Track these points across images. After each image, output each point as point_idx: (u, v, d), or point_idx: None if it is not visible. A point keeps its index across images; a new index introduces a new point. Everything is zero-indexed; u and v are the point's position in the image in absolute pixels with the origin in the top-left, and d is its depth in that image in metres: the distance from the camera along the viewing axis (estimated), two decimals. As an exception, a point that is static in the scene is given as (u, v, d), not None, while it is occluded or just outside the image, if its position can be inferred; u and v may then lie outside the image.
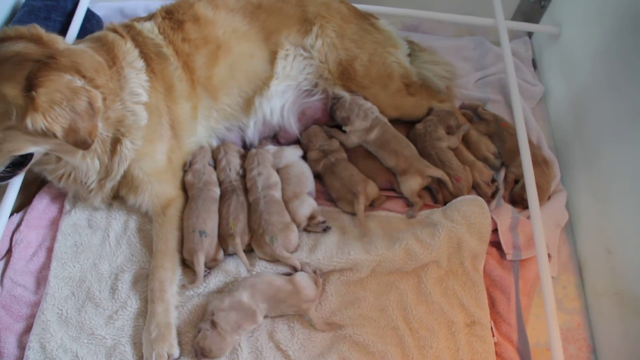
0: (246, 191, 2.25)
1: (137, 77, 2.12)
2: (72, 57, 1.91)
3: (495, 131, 2.54)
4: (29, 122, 1.79)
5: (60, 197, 2.31)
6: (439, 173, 2.29)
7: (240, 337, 1.94)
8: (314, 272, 2.07)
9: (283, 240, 2.08)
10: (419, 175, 2.28)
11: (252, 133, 2.46)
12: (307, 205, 2.20)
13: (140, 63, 2.16)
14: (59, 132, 1.83)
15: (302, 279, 2.01)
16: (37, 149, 1.94)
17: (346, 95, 2.46)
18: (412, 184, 2.28)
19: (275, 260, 2.10)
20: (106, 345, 1.97)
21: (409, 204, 2.32)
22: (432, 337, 1.99)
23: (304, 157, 2.44)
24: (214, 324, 1.90)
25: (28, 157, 1.99)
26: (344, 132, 2.45)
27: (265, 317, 2.01)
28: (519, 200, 2.34)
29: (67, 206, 2.28)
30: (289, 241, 2.10)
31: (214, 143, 2.42)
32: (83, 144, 1.90)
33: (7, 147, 1.89)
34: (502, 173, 2.45)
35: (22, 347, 1.99)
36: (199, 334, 1.91)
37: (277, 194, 2.22)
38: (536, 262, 2.15)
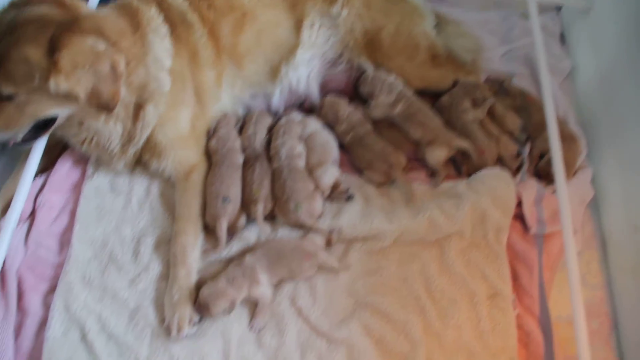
0: (269, 159, 2.24)
1: (161, 43, 2.11)
2: (95, 21, 1.91)
3: (521, 105, 2.50)
4: (52, 85, 1.80)
5: (82, 161, 2.32)
6: (464, 144, 2.28)
7: (235, 295, 1.92)
8: (330, 232, 2.08)
9: (307, 207, 2.08)
10: (446, 146, 2.27)
11: (277, 101, 2.45)
12: (330, 174, 2.19)
13: (164, 29, 2.14)
14: (81, 94, 1.85)
15: (312, 234, 2.05)
16: (60, 112, 1.95)
17: (370, 68, 2.44)
18: (438, 154, 2.27)
19: (298, 227, 2.10)
20: (129, 307, 1.99)
21: (432, 174, 2.31)
22: (453, 307, 1.98)
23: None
24: (214, 276, 1.95)
25: (51, 120, 2.00)
26: (368, 106, 2.44)
27: (279, 282, 2.01)
28: (544, 175, 2.31)
29: (89, 170, 2.28)
30: (313, 208, 2.09)
31: (240, 111, 2.42)
32: (106, 108, 1.91)
33: (31, 109, 1.90)
34: (527, 147, 2.42)
35: (46, 306, 2.01)
36: None
37: (301, 163, 2.22)
38: (560, 236, 2.13)
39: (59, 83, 1.80)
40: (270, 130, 2.35)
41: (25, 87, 1.84)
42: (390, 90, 2.39)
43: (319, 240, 2.05)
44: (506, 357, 1.92)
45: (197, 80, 2.21)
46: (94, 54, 1.84)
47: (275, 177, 2.18)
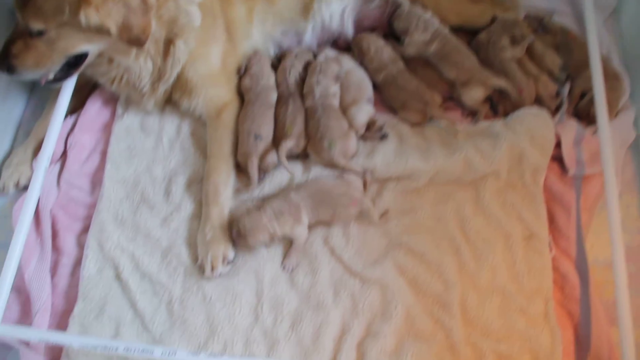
0: (302, 96, 2.20)
1: None
2: None
3: (561, 43, 2.41)
4: (82, 18, 1.79)
5: (112, 101, 2.30)
6: (502, 83, 2.20)
7: (277, 230, 1.91)
8: (363, 172, 2.05)
9: (341, 146, 2.04)
10: (482, 86, 2.21)
11: (309, 38, 2.38)
12: (365, 112, 2.14)
13: None
14: (112, 28, 1.83)
15: (350, 176, 2.01)
16: (90, 47, 1.94)
17: (405, 3, 2.35)
18: (475, 95, 2.21)
19: (331, 165, 2.06)
20: (162, 246, 2.00)
21: (468, 114, 2.25)
22: (488, 249, 1.95)
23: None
24: (258, 206, 1.93)
25: (82, 57, 1.98)
26: (402, 43, 2.36)
27: (317, 223, 1.99)
28: (584, 116, 2.24)
29: (119, 110, 2.27)
30: (347, 147, 2.06)
31: (270, 48, 2.36)
32: (137, 41, 1.88)
33: (62, 45, 1.89)
34: (567, 87, 2.34)
35: (80, 245, 2.03)
36: None
37: (336, 102, 2.17)
38: (598, 179, 2.09)
39: (89, 16, 1.79)
40: (307, 67, 2.29)
41: (55, 22, 1.82)
42: (426, 28, 2.31)
43: (360, 185, 2.01)
44: (541, 299, 1.89)
45: (228, 15, 2.16)
46: None
47: (309, 115, 2.13)
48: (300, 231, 1.94)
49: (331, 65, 2.24)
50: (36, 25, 1.83)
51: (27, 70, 1.93)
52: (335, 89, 2.20)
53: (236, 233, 1.92)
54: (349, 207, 1.96)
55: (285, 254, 1.96)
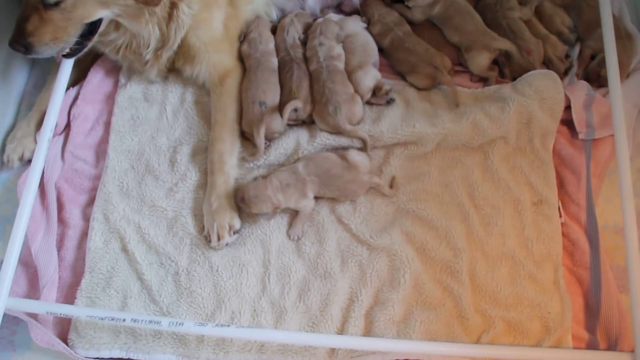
0: (306, 61, 2.16)
1: None
2: None
3: (571, 3, 2.34)
4: None
5: (114, 71, 2.27)
6: (506, 44, 2.15)
7: (281, 203, 1.89)
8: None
9: (347, 111, 2.00)
10: (486, 50, 2.15)
11: (313, 2, 2.33)
12: (371, 76, 2.10)
13: None
14: None
15: (355, 154, 1.97)
16: (106, 12, 1.91)
17: None
18: (480, 60, 2.16)
19: (337, 132, 2.03)
20: (167, 216, 1.99)
21: (479, 80, 2.21)
22: (497, 214, 1.93)
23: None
24: (265, 177, 1.93)
25: (95, 25, 1.95)
26: (407, 7, 2.31)
27: (322, 198, 1.98)
28: (594, 78, 2.19)
29: (122, 80, 2.24)
30: (352, 113, 2.02)
31: (273, 12, 2.31)
32: (151, 1, 1.87)
33: (78, 14, 1.86)
34: (577, 49, 2.29)
35: (86, 218, 2.03)
36: None
37: (341, 65, 2.13)
38: (609, 142, 2.05)
39: None
40: (307, 29, 2.25)
41: None
42: None
43: (367, 164, 1.98)
44: (551, 265, 1.88)
45: None
46: None
47: (314, 79, 2.10)
48: (306, 204, 1.93)
49: (330, 26, 2.19)
50: None
51: (45, 46, 1.88)
52: (338, 50, 2.15)
53: (240, 199, 1.91)
54: (357, 190, 1.94)
55: (291, 223, 1.95)
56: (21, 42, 1.86)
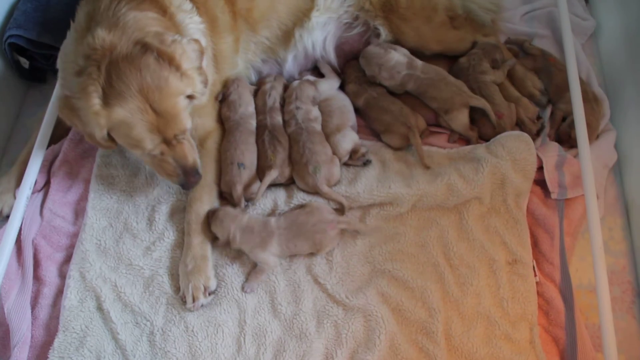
0: (284, 124, 2.20)
1: (191, 21, 2.02)
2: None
3: (542, 67, 2.42)
4: None
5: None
6: (481, 102, 2.20)
7: (236, 242, 1.93)
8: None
9: (326, 172, 2.04)
10: (465, 108, 2.21)
11: (290, 66, 2.39)
12: (349, 139, 2.14)
13: (188, 4, 2.03)
14: None
15: (315, 201, 2.02)
16: None
17: (367, 50, 2.34)
18: (461, 119, 2.21)
19: (315, 192, 2.06)
20: (144, 275, 1.98)
21: (453, 139, 2.26)
22: (472, 274, 1.95)
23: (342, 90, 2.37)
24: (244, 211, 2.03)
25: None
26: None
27: (298, 256, 1.99)
28: (565, 139, 2.25)
29: (102, 139, 2.26)
30: (331, 174, 2.06)
31: (252, 75, 2.36)
32: None
33: None
34: (549, 110, 2.35)
35: (62, 275, 2.02)
36: None
37: (318, 126, 2.18)
38: (582, 202, 2.09)
39: None
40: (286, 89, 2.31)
41: None
42: (392, 77, 2.28)
43: (328, 207, 2.01)
44: (526, 325, 1.89)
45: (217, 47, 2.15)
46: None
47: (293, 141, 2.14)
48: (263, 257, 1.94)
49: (306, 89, 2.24)
50: None
51: None
52: (315, 112, 2.20)
53: (212, 212, 1.96)
54: (327, 231, 1.95)
55: (247, 276, 1.96)
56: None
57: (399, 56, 2.30)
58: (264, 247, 1.93)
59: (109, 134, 1.81)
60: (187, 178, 1.92)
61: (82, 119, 1.78)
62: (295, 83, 2.30)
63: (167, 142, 1.84)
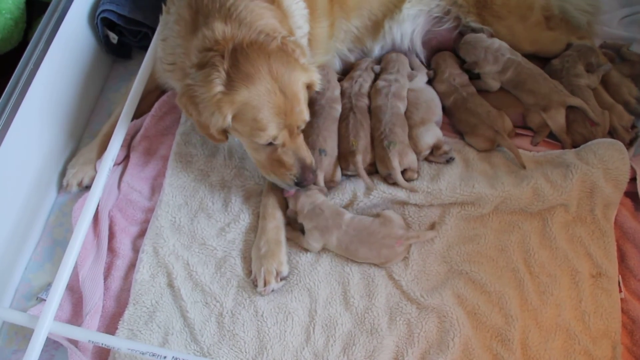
0: (363, 112, 2.17)
1: (297, 7, 2.03)
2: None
3: (639, 73, 2.30)
4: None
5: (177, 107, 2.30)
6: (578, 102, 2.11)
7: (301, 214, 1.94)
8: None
9: (400, 149, 2.01)
10: (563, 107, 2.13)
11: (376, 57, 2.35)
12: (432, 134, 2.09)
13: None
14: None
15: (389, 211, 1.97)
16: None
17: (469, 36, 2.30)
18: (559, 119, 2.13)
19: (391, 181, 2.03)
20: (216, 256, 1.98)
21: (535, 142, 2.18)
22: (553, 283, 1.86)
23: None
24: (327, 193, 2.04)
25: None
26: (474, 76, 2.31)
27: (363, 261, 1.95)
28: (661, 150, 2.14)
29: (183, 116, 2.27)
30: (405, 153, 2.02)
31: (337, 63, 2.34)
32: None
33: None
34: (644, 120, 2.24)
35: (135, 249, 2.04)
36: None
37: (403, 107, 2.15)
38: (675, 217, 1.97)
39: None
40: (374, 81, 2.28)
41: None
42: (496, 59, 2.24)
43: (401, 221, 1.96)
44: (608, 342, 1.80)
45: (313, 32, 2.14)
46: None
47: (374, 118, 2.13)
48: (316, 239, 1.93)
49: (406, 64, 2.23)
50: None
51: None
52: (404, 93, 2.19)
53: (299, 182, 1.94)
54: (394, 247, 1.90)
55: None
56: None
57: (500, 41, 2.27)
58: (324, 233, 1.91)
59: (224, 129, 1.80)
60: (305, 174, 1.88)
61: (200, 108, 1.77)
62: (394, 55, 2.28)
63: (290, 131, 1.82)
